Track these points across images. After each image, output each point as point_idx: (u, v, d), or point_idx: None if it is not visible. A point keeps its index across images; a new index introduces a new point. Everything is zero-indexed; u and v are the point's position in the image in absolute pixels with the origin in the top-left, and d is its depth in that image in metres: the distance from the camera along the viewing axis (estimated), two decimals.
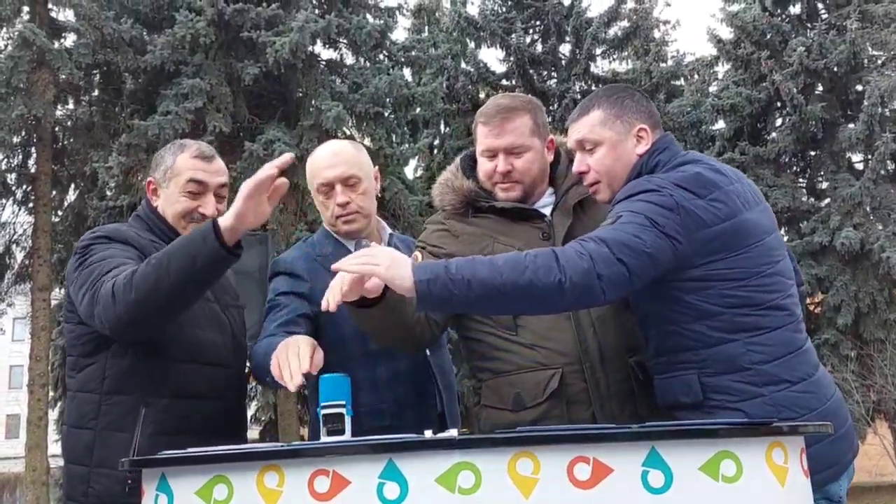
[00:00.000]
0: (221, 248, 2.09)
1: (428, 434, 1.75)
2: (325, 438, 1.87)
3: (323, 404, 1.90)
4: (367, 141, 12.30)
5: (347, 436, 1.86)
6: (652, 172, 2.23)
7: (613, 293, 2.02)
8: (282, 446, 1.85)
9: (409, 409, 2.59)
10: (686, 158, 2.25)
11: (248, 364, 2.60)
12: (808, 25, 15.20)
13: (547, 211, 2.50)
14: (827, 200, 14.81)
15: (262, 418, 14.17)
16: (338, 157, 2.66)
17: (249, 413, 13.61)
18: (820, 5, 15.55)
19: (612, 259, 1.98)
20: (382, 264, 1.94)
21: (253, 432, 13.49)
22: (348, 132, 12.20)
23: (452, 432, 1.72)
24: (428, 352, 2.65)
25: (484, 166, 2.50)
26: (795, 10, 15.69)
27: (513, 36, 14.50)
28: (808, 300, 14.46)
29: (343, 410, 1.88)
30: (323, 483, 1.64)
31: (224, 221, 2.10)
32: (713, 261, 2.09)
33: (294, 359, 2.10)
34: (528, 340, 2.34)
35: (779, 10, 15.61)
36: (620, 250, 2.00)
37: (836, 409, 2.13)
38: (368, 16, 12.73)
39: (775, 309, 2.13)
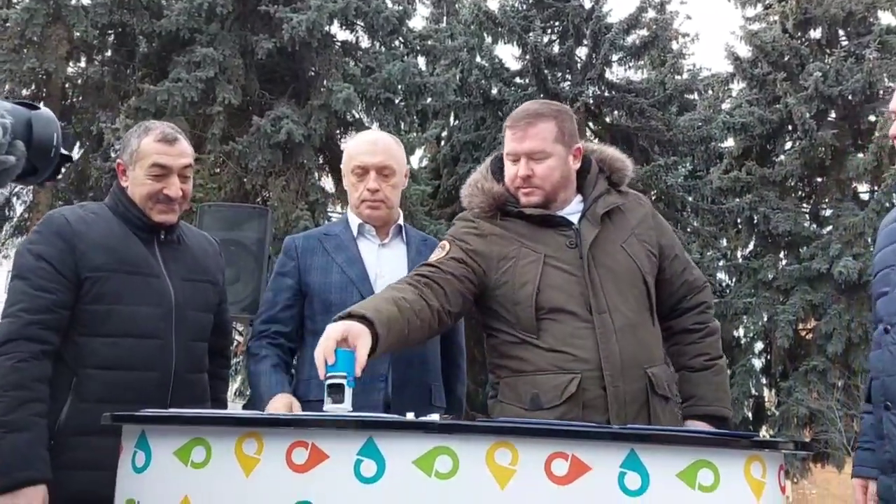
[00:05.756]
0: None
1: (410, 416, 1.76)
2: (327, 407, 1.94)
3: (328, 374, 1.98)
4: (375, 126, 12.26)
5: (347, 405, 1.93)
6: None
7: None
8: (263, 414, 1.85)
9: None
10: None
11: (209, 336, 2.75)
12: (828, 51, 15.14)
13: (575, 219, 2.52)
14: (829, 228, 14.77)
15: (246, 392, 14.18)
16: (378, 146, 2.84)
17: (234, 387, 13.60)
18: (841, 32, 15.50)
19: None
20: None
21: (236, 406, 13.48)
22: (357, 115, 12.16)
23: (434, 416, 1.73)
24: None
25: (508, 170, 2.55)
26: (816, 34, 15.64)
27: (530, 34, 14.41)
28: (799, 326, 14.49)
29: (343, 381, 1.95)
30: (301, 455, 1.64)
31: None
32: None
33: None
34: (549, 345, 2.36)
35: (799, 34, 15.57)
36: None
37: None
38: (388, 0, 12.68)
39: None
